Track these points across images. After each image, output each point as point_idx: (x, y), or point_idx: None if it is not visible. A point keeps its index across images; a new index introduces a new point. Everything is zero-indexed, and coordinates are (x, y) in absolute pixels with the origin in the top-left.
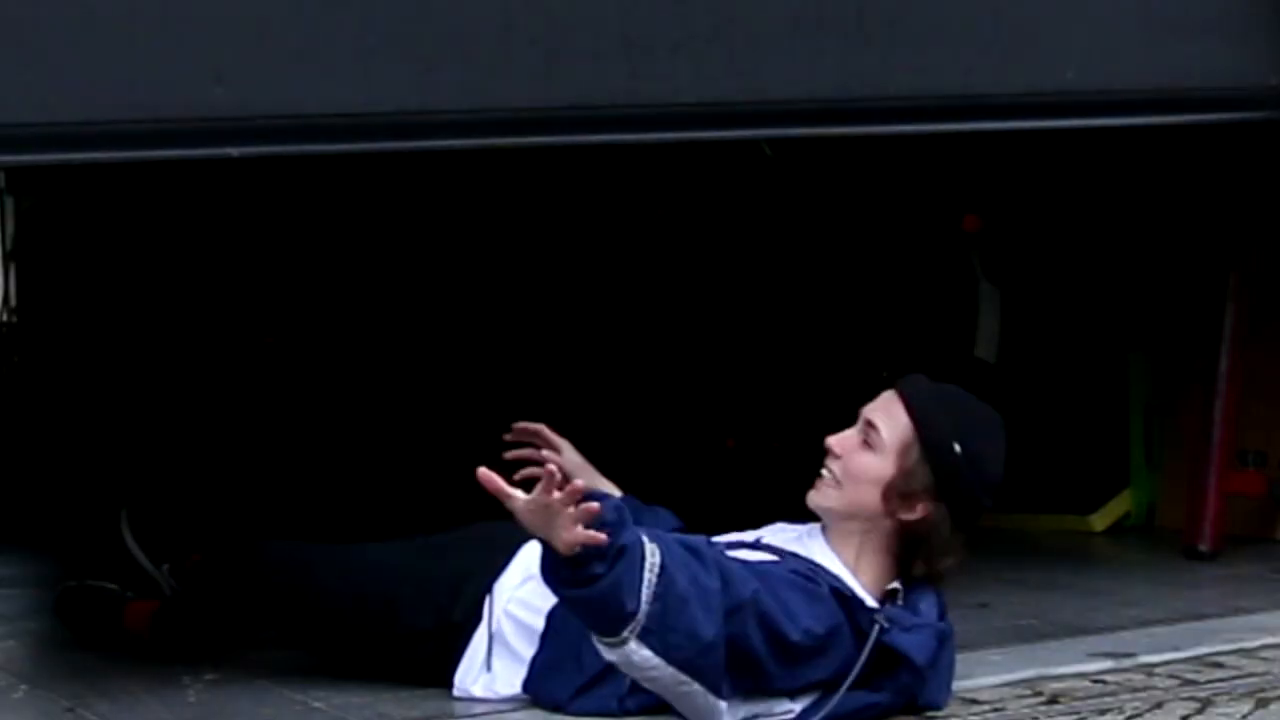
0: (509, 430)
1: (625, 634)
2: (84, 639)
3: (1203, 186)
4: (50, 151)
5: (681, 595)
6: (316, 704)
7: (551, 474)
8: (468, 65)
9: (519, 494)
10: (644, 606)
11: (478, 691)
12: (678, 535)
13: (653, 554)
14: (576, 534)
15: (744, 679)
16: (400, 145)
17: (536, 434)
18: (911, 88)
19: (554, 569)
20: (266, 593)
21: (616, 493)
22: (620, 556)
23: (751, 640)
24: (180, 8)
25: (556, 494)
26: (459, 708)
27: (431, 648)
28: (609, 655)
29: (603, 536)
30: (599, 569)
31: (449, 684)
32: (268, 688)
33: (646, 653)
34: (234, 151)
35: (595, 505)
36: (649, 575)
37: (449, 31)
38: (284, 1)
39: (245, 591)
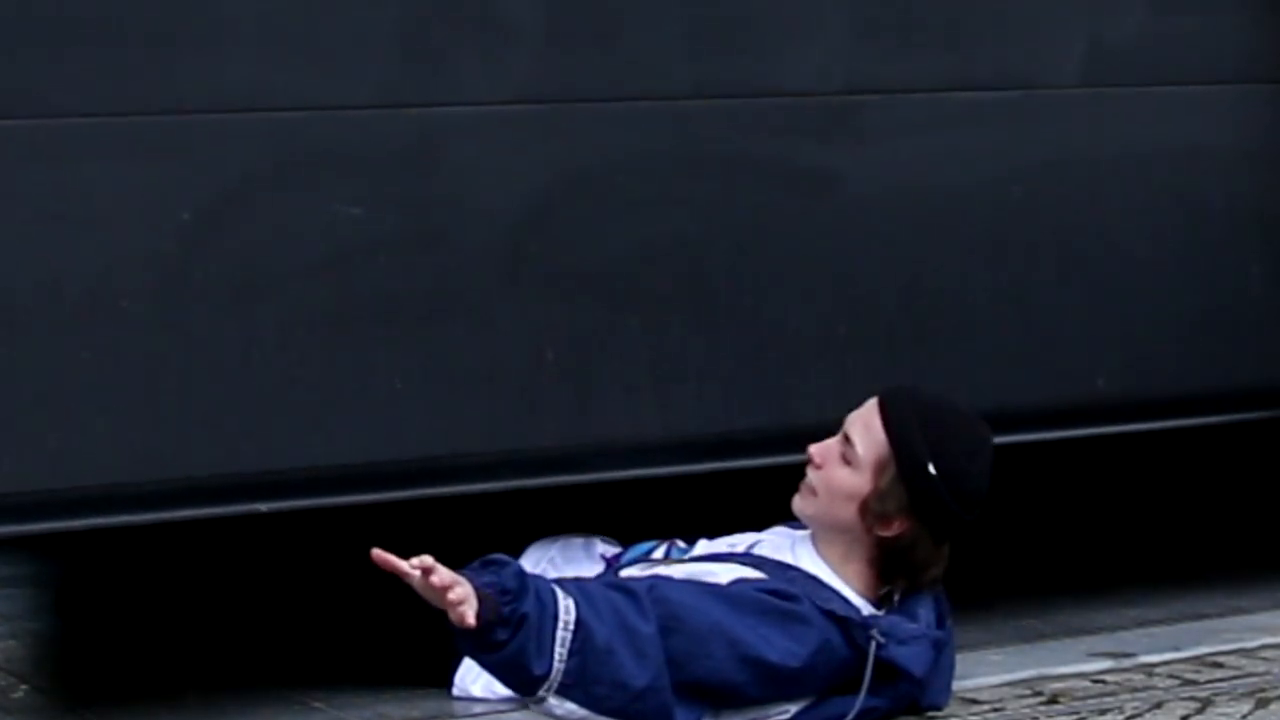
0: None
1: (541, 693)
2: (84, 638)
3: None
4: (80, 516)
5: (603, 647)
6: (316, 704)
7: (420, 565)
8: (495, 406)
9: (416, 572)
10: (557, 665)
11: (477, 691)
12: (616, 580)
13: (567, 610)
14: (455, 613)
15: (730, 708)
16: (428, 492)
17: None
18: None
19: (461, 636)
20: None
21: None
22: (522, 624)
23: (726, 673)
24: (201, 366)
25: (433, 579)
26: (458, 708)
27: (432, 648)
28: (534, 709)
29: (471, 620)
30: (502, 635)
31: (449, 684)
32: (268, 688)
33: (571, 705)
34: (263, 507)
35: (455, 596)
36: (562, 633)
37: (475, 372)
38: (307, 354)
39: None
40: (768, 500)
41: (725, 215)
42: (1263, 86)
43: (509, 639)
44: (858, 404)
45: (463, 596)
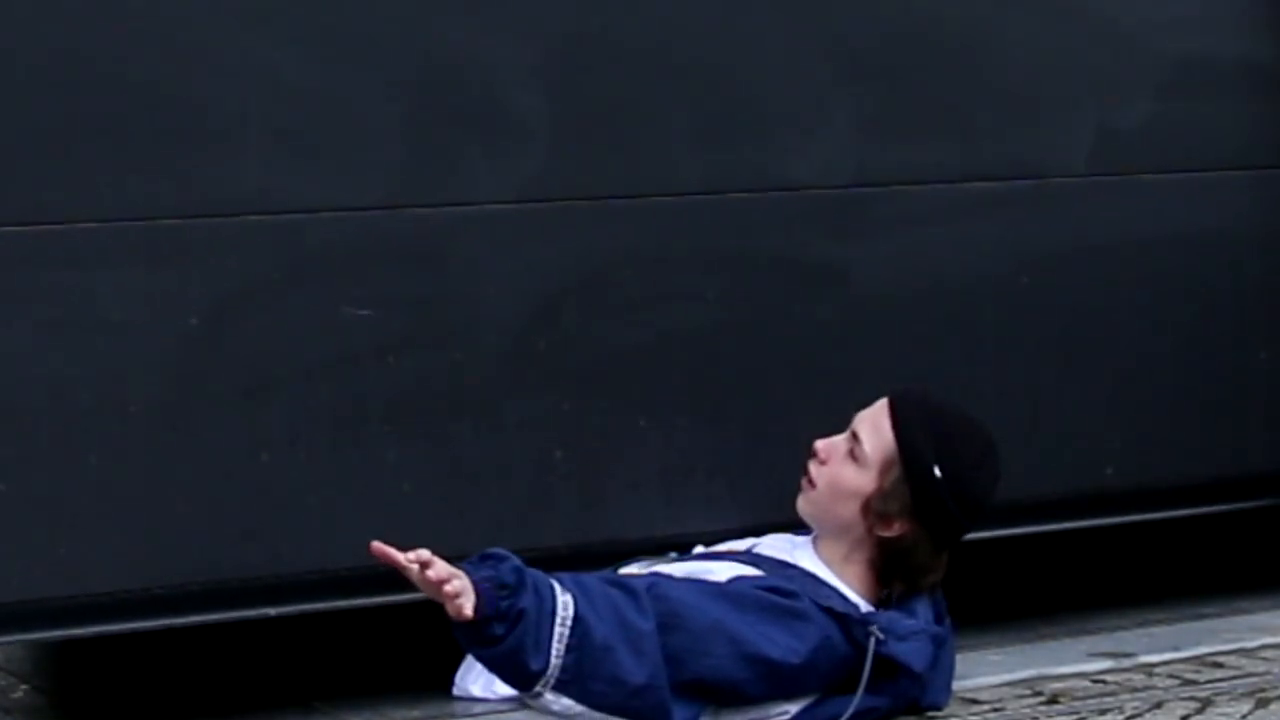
0: None
1: (537, 689)
2: (84, 638)
3: None
4: (88, 623)
5: (601, 644)
6: (316, 704)
7: (416, 559)
8: (504, 506)
9: (414, 565)
10: (554, 661)
11: (477, 691)
12: (615, 577)
13: (565, 606)
14: (451, 606)
15: (731, 707)
16: None
17: None
18: None
19: (458, 630)
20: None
21: None
22: (519, 619)
23: (727, 670)
24: (209, 470)
25: (429, 573)
26: (459, 708)
27: (432, 649)
28: (530, 704)
29: (468, 613)
30: (499, 630)
31: (449, 684)
32: (268, 688)
33: (567, 701)
34: (272, 611)
35: (451, 589)
36: (560, 629)
37: (484, 472)
38: (316, 456)
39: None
40: None
41: (733, 310)
42: (1270, 172)
43: (506, 634)
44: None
45: (459, 589)
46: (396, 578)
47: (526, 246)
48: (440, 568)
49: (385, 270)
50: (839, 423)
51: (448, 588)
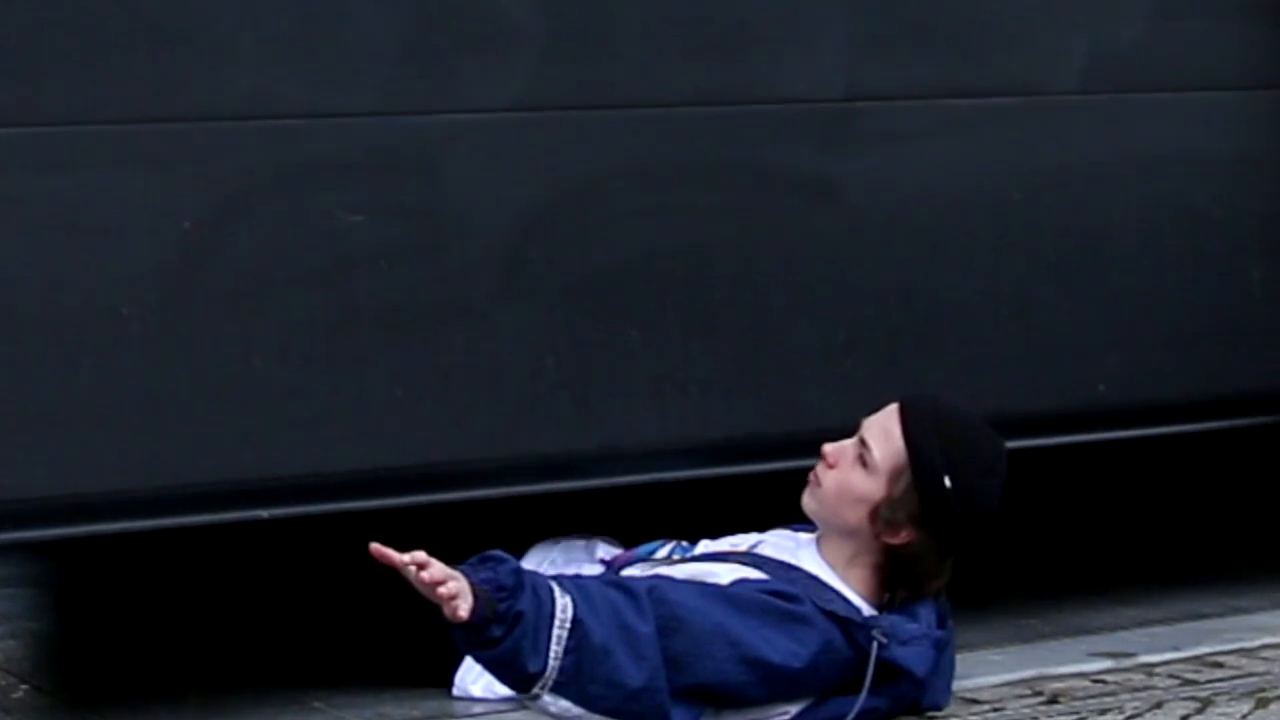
0: None
1: (535, 690)
2: (84, 638)
3: None
4: (80, 523)
5: (599, 646)
6: (316, 704)
7: (412, 560)
8: (496, 413)
9: (412, 567)
10: (552, 663)
11: (477, 692)
12: (616, 578)
13: (564, 609)
14: (447, 608)
15: (731, 709)
16: (431, 498)
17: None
18: None
19: (456, 631)
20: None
21: None
22: (517, 621)
23: (728, 674)
24: (202, 373)
25: (424, 574)
26: (459, 707)
27: (432, 648)
28: (528, 705)
29: (464, 615)
30: (497, 632)
31: (449, 684)
32: (268, 688)
33: (565, 703)
34: (264, 513)
35: (447, 591)
36: (558, 631)
37: (476, 379)
38: (308, 361)
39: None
40: (769, 504)
41: (725, 222)
42: (1264, 93)
43: (503, 636)
44: (857, 410)
45: (455, 591)
46: (387, 484)
47: (520, 155)
48: (437, 569)
49: (378, 177)
50: (828, 333)
51: (443, 589)
